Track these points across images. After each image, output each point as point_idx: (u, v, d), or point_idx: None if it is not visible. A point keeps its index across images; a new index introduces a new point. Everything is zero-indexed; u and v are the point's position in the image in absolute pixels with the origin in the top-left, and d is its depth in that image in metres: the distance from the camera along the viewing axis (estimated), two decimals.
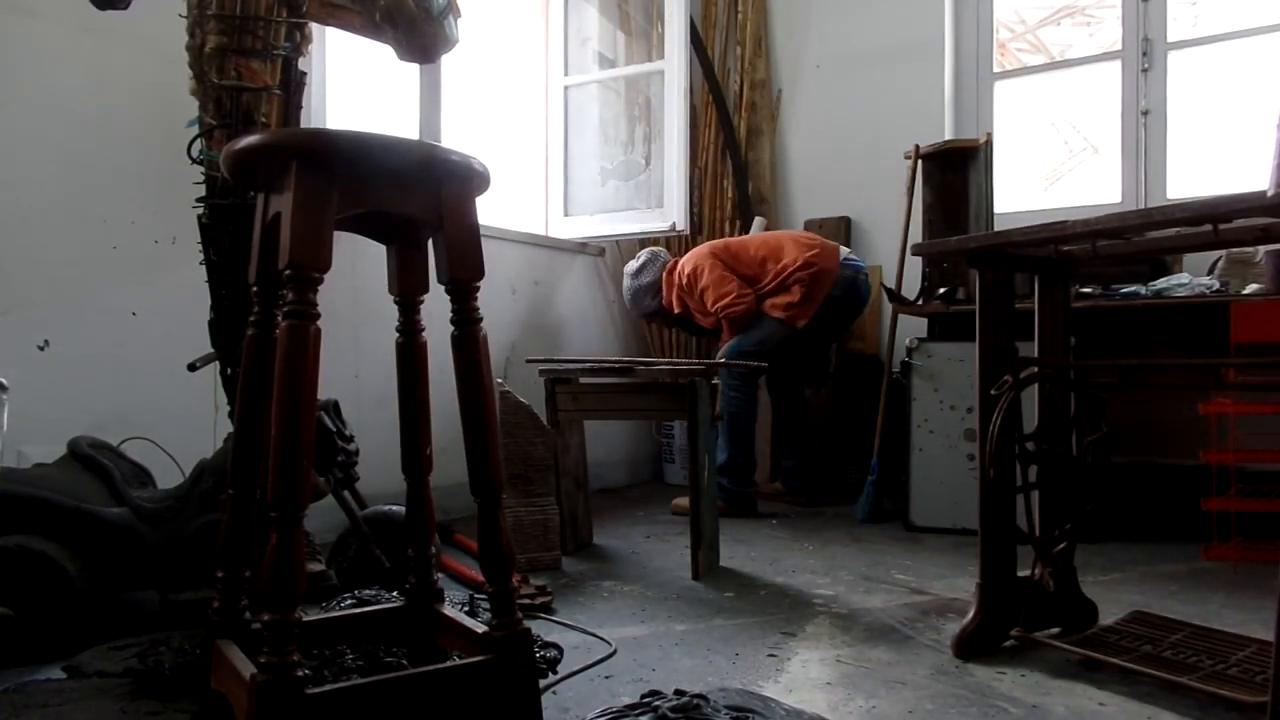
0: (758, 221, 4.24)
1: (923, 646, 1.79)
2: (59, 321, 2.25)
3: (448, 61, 2.23)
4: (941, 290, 3.19)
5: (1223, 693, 1.41)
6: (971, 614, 1.74)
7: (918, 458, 3.04)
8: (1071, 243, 1.69)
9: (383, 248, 1.33)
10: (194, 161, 1.75)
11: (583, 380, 2.75)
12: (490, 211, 3.55)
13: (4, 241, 2.17)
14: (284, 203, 1.06)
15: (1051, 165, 4.91)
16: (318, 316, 1.04)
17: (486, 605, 1.73)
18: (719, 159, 4.35)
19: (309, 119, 2.42)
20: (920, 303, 3.31)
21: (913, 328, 3.48)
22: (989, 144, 3.25)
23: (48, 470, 1.84)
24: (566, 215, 4.12)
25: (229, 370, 1.78)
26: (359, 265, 2.84)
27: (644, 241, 4.28)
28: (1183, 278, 2.91)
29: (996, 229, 3.05)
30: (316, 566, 1.88)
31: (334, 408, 2.04)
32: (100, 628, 1.73)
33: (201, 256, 1.77)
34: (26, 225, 2.21)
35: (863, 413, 3.77)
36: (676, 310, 3.64)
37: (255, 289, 1.20)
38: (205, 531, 1.79)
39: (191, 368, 1.82)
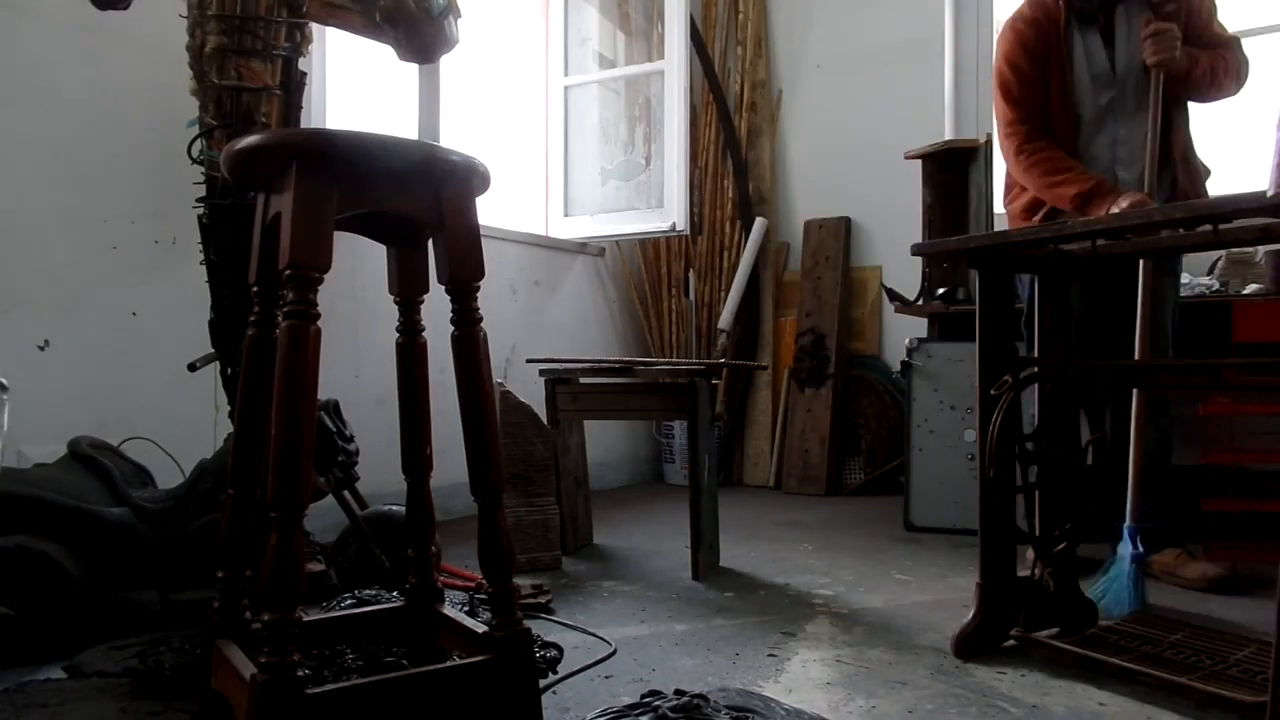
0: (759, 223, 4.24)
1: (923, 646, 1.79)
2: (59, 321, 2.25)
3: (447, 61, 2.23)
4: (941, 290, 3.19)
5: (1222, 693, 1.41)
6: (971, 614, 1.74)
7: (918, 458, 3.04)
8: (1071, 243, 1.69)
9: (383, 248, 1.33)
10: (194, 161, 1.75)
11: (583, 380, 2.75)
12: (490, 211, 3.54)
13: (4, 241, 2.17)
14: (284, 203, 1.07)
15: None
16: (318, 316, 1.04)
17: (487, 605, 1.73)
18: (719, 159, 4.35)
19: (309, 119, 2.42)
20: (920, 303, 3.31)
21: (913, 328, 3.48)
22: (989, 144, 3.25)
23: (48, 470, 1.84)
24: (566, 215, 4.12)
25: (229, 370, 1.78)
26: (359, 265, 2.84)
27: (644, 242, 4.28)
28: (1183, 278, 2.90)
29: (996, 229, 3.05)
30: (316, 566, 1.88)
31: (334, 408, 2.04)
32: (100, 628, 1.73)
33: (201, 256, 1.77)
34: (26, 225, 2.21)
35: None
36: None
37: (255, 289, 1.20)
38: (205, 531, 1.79)
39: (191, 368, 1.83)
